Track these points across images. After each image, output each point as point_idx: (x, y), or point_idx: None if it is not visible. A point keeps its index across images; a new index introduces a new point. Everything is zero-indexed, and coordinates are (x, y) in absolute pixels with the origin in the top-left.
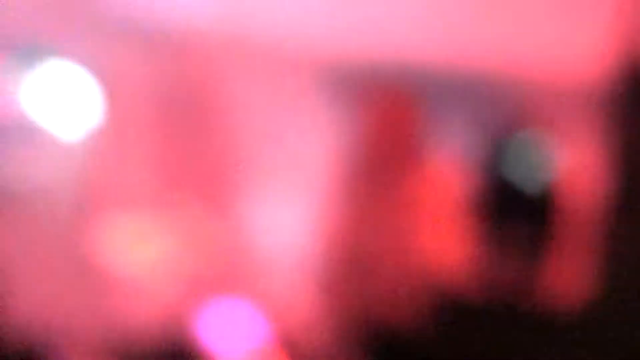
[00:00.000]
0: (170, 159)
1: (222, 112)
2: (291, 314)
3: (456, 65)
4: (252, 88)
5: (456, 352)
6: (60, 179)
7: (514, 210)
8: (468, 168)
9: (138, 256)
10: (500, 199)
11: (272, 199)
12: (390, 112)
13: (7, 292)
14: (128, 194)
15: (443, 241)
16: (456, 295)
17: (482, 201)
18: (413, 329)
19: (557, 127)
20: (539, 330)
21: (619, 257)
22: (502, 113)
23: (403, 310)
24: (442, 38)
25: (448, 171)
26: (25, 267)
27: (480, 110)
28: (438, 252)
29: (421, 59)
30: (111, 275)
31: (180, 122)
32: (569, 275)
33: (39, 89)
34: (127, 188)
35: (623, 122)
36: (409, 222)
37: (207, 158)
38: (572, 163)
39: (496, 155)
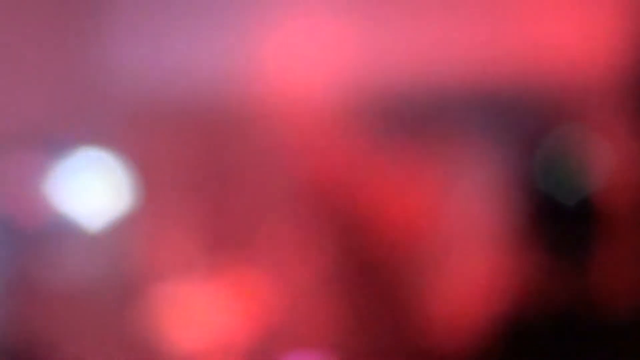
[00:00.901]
0: (208, 225)
1: (251, 167)
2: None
3: (476, 85)
4: (276, 140)
5: None
6: (103, 267)
7: (558, 219)
8: (506, 186)
9: (196, 327)
10: (544, 210)
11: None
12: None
13: None
14: (174, 269)
15: (488, 266)
16: (511, 318)
17: (525, 216)
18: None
19: (590, 128)
20: (599, 338)
21: None
22: (532, 124)
23: (460, 342)
24: (460, 61)
25: (483, 193)
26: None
27: (509, 125)
28: (483, 279)
29: (445, 89)
30: (171, 354)
31: (213, 182)
32: (624, 279)
33: (71, 183)
34: (172, 262)
35: None
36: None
37: (243, 215)
38: (612, 162)
39: (533, 167)
